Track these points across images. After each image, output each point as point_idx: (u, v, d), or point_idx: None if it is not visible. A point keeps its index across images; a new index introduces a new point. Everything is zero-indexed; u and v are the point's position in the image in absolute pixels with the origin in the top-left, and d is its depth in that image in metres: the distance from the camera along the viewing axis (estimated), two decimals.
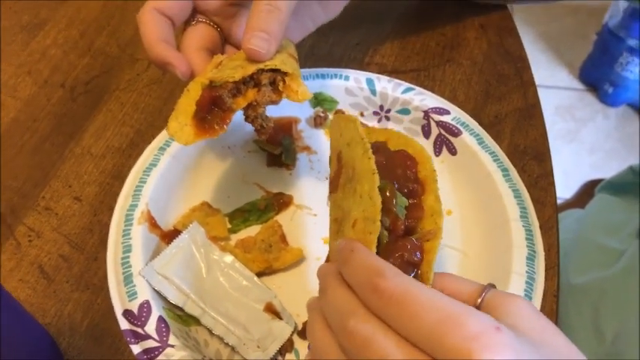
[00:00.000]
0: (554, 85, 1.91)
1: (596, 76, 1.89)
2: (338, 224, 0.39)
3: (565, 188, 1.48)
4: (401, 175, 0.40)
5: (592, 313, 0.64)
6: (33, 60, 0.59)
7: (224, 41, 0.49)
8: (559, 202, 1.03)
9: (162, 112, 0.55)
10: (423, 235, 0.37)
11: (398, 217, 0.37)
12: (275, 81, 0.42)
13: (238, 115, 0.43)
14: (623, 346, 0.59)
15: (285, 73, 0.42)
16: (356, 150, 0.38)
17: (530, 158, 0.52)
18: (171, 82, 0.57)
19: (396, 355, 0.28)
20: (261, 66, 0.41)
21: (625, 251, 0.65)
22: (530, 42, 1.97)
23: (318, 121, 0.54)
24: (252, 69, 0.41)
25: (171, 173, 0.49)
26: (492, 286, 0.33)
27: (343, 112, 0.53)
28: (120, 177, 0.50)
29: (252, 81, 0.42)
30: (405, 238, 0.37)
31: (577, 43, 1.98)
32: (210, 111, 0.42)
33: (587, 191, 1.07)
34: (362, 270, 0.30)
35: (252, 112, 0.43)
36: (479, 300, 0.31)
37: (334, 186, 0.41)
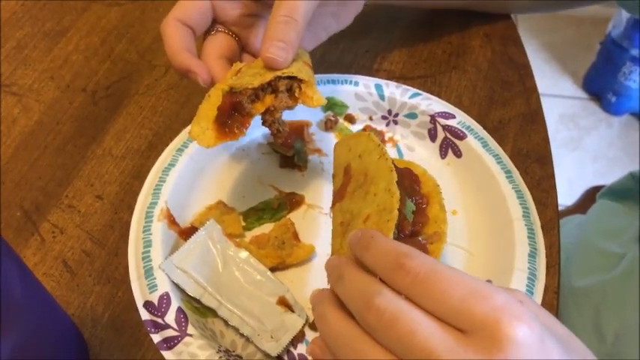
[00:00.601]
0: (558, 94, 1.93)
1: (600, 86, 1.91)
2: (345, 226, 0.41)
3: (568, 196, 1.50)
4: (408, 186, 0.43)
5: (593, 314, 0.65)
6: (56, 66, 0.62)
7: (241, 50, 0.52)
8: (562, 208, 1.05)
9: (179, 116, 0.57)
10: (428, 237, 0.40)
11: (406, 218, 0.40)
12: (291, 88, 0.45)
13: (254, 119, 0.45)
14: (624, 346, 0.61)
15: (302, 80, 0.45)
16: (371, 157, 0.42)
17: (533, 161, 0.54)
18: (188, 87, 0.60)
19: (426, 327, 0.28)
20: (278, 73, 0.44)
21: (625, 255, 0.66)
22: (534, 51, 2.00)
23: (328, 125, 0.56)
24: (270, 76, 0.44)
25: (189, 173, 0.51)
26: (489, 282, 0.34)
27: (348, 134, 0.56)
28: (139, 177, 0.52)
29: (270, 87, 0.44)
30: (412, 239, 0.40)
31: (581, 52, 2.00)
32: (231, 116, 0.44)
33: (589, 198, 1.09)
34: (386, 253, 0.31)
35: (269, 117, 0.46)
36: None
37: (340, 196, 0.43)
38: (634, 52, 1.73)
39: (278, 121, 0.46)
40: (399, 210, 0.39)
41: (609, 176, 1.67)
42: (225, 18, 0.50)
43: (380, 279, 0.31)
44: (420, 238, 0.40)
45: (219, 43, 0.50)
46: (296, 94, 0.45)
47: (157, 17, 0.66)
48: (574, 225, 0.87)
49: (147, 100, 0.59)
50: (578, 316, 0.68)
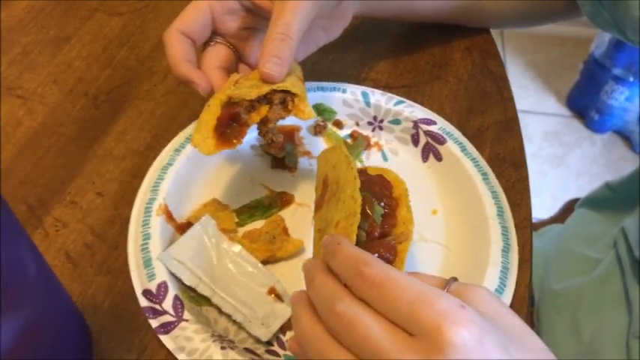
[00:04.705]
0: (543, 112, 1.97)
1: (583, 104, 1.95)
2: (322, 232, 0.45)
3: (552, 210, 1.53)
4: (378, 191, 0.47)
5: (571, 315, 0.67)
6: (59, 70, 0.65)
7: (238, 60, 0.55)
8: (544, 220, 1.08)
9: (176, 119, 0.60)
10: (396, 237, 0.44)
11: (375, 222, 0.44)
12: (285, 100, 0.48)
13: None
14: (599, 345, 0.63)
15: (295, 95, 0.48)
16: (341, 167, 0.45)
17: (509, 166, 0.58)
18: (185, 93, 0.63)
19: (377, 331, 0.32)
20: (274, 87, 0.47)
21: (602, 260, 0.69)
22: (520, 70, 2.05)
23: (317, 130, 0.60)
24: (266, 89, 0.47)
25: (186, 172, 0.55)
26: (455, 279, 0.37)
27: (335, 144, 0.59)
28: (138, 176, 0.55)
29: (266, 99, 0.48)
30: (381, 240, 0.43)
31: (564, 72, 2.05)
32: (229, 125, 0.47)
33: (569, 209, 1.12)
34: (348, 260, 0.34)
35: (264, 127, 0.49)
36: (444, 290, 0.35)
37: (319, 205, 0.47)
38: (616, 71, 1.77)
39: (272, 131, 0.50)
40: (367, 214, 0.43)
41: None
42: (224, 30, 0.54)
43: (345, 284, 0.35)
44: (389, 239, 0.44)
45: (217, 54, 0.53)
46: (289, 107, 0.48)
47: (157, 27, 0.70)
48: (554, 233, 0.90)
49: (146, 104, 0.62)
50: (557, 317, 0.71)
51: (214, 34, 0.54)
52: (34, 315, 0.37)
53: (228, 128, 0.47)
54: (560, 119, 1.97)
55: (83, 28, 0.69)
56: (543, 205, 1.56)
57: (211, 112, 0.47)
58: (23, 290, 0.36)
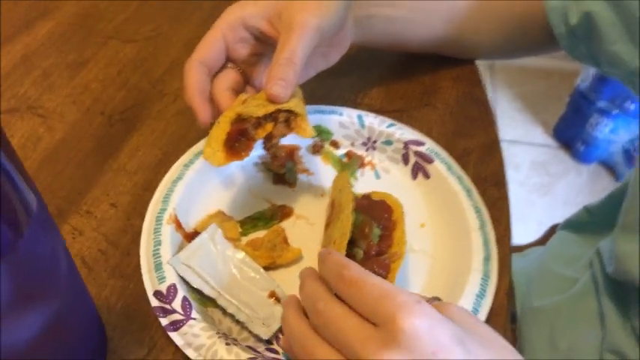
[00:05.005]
0: (530, 142, 2.03)
1: (569, 135, 1.99)
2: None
3: (537, 236, 1.58)
4: (378, 215, 0.53)
5: (549, 330, 0.70)
6: (77, 92, 0.70)
7: (246, 83, 0.61)
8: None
9: (185, 138, 0.65)
10: (391, 256, 0.50)
11: (372, 242, 0.51)
12: (288, 119, 0.53)
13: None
14: (577, 355, 0.66)
15: (297, 114, 0.53)
16: (344, 191, 0.52)
17: (490, 185, 0.62)
18: (193, 114, 0.68)
19: (349, 324, 0.36)
20: (279, 106, 0.52)
21: (579, 279, 0.72)
22: (508, 102, 2.11)
23: (315, 149, 0.64)
24: (272, 108, 0.52)
25: (194, 185, 0.59)
26: (438, 299, 0.41)
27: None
28: (149, 189, 0.60)
29: (271, 117, 0.53)
30: (377, 258, 0.49)
31: (551, 104, 2.11)
32: (237, 140, 0.52)
33: (551, 232, 1.16)
34: (333, 265, 0.39)
35: (268, 143, 0.54)
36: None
37: (327, 225, 0.53)
38: (601, 104, 1.81)
39: (275, 146, 0.55)
40: (366, 234, 0.49)
41: None
42: (234, 57, 0.59)
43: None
44: (383, 257, 0.50)
45: (227, 78, 0.59)
46: (292, 125, 0.54)
47: (167, 53, 0.75)
48: (537, 254, 0.94)
49: (157, 123, 0.67)
50: (536, 331, 0.74)
51: (227, 60, 0.60)
52: (61, 308, 0.40)
53: (237, 142, 0.52)
54: (547, 150, 2.03)
55: (99, 53, 0.74)
56: (530, 231, 1.61)
57: (221, 129, 0.52)
58: (55, 284, 0.40)
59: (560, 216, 0.98)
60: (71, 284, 0.41)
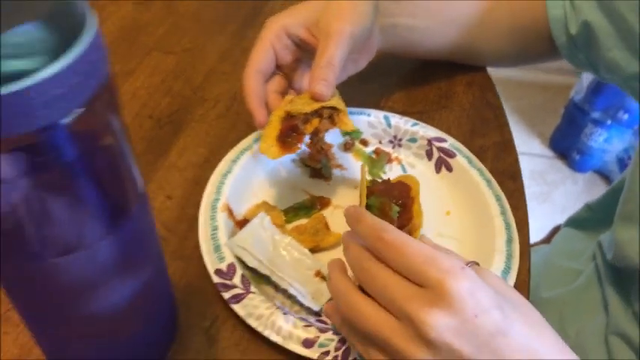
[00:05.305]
0: (528, 152, 2.10)
1: (565, 145, 2.07)
2: None
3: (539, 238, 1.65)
4: (397, 194, 0.60)
5: (558, 319, 0.75)
6: (126, 99, 0.76)
7: (288, 86, 0.68)
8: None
9: (227, 138, 0.71)
10: (411, 227, 0.58)
11: (393, 219, 0.57)
12: (332, 115, 0.60)
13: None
14: (583, 341, 0.71)
15: (339, 110, 0.60)
16: (361, 185, 0.58)
17: (507, 178, 0.69)
18: (232, 118, 0.74)
19: (394, 281, 0.41)
20: (323, 104, 0.59)
21: (583, 271, 0.78)
22: (506, 114, 2.19)
23: (347, 147, 0.71)
24: (317, 106, 0.59)
25: (241, 178, 0.65)
26: (476, 263, 0.45)
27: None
28: (199, 183, 0.66)
29: (317, 114, 0.60)
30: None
31: (547, 116, 2.18)
32: (289, 135, 0.59)
33: (554, 232, 1.23)
34: (370, 227, 0.43)
35: (315, 137, 0.61)
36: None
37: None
38: (595, 115, 1.90)
39: (321, 140, 0.61)
40: (386, 213, 0.56)
41: None
42: (280, 63, 0.66)
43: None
44: (406, 229, 0.57)
45: (275, 82, 0.66)
46: (335, 120, 0.60)
47: (204, 63, 0.82)
48: (543, 252, 1.00)
49: (200, 126, 0.73)
50: (547, 320, 0.81)
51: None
52: (150, 278, 0.45)
53: (288, 137, 0.59)
54: (544, 160, 2.10)
55: (143, 64, 0.81)
56: (532, 235, 1.67)
57: (272, 126, 0.59)
58: (150, 255, 0.45)
59: (559, 222, 1.05)
60: (158, 257, 0.47)
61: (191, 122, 0.73)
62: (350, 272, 0.47)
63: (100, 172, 0.37)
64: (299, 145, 0.59)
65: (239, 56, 0.82)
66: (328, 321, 0.56)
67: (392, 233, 0.42)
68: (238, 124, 0.73)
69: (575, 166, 2.07)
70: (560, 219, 1.94)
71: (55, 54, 0.28)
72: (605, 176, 2.04)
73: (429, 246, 0.42)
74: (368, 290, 0.44)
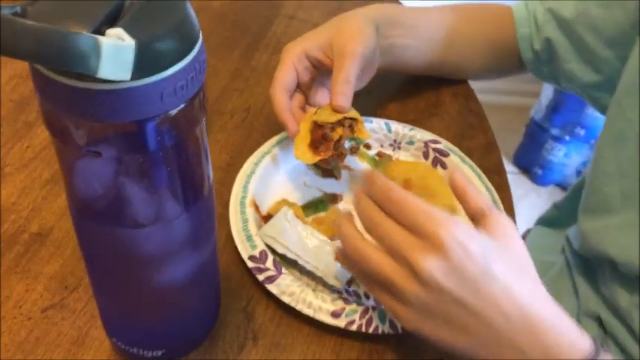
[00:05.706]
0: None
1: (528, 161, 2.16)
2: None
3: None
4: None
5: None
6: None
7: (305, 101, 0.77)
8: None
9: (245, 145, 0.79)
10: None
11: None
12: (351, 125, 0.69)
13: None
14: None
15: (358, 120, 0.70)
16: (433, 180, 0.71)
17: (493, 173, 0.78)
18: (248, 127, 0.82)
19: (395, 231, 0.47)
20: (345, 115, 0.69)
21: (555, 263, 0.85)
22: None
23: (352, 150, 0.79)
24: (340, 117, 0.68)
25: (263, 179, 0.73)
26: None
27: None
28: (224, 184, 0.73)
29: (339, 123, 0.69)
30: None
31: (509, 134, 2.27)
32: (320, 142, 0.68)
33: (526, 235, 1.33)
34: (380, 187, 0.49)
35: (337, 143, 0.70)
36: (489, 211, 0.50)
37: None
38: (554, 131, 2.01)
39: (342, 145, 0.70)
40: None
41: None
42: (300, 81, 0.74)
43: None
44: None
45: (296, 98, 0.75)
46: (354, 129, 0.69)
47: (218, 81, 0.89)
48: None
49: (221, 135, 0.81)
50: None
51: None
52: (208, 257, 0.52)
53: (318, 144, 0.67)
54: (509, 175, 2.18)
55: None
56: None
57: (302, 136, 0.68)
58: (210, 235, 0.52)
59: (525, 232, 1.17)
60: (215, 238, 0.55)
61: (211, 132, 0.81)
62: (359, 224, 0.53)
63: (186, 159, 0.44)
64: (330, 151, 0.68)
65: (249, 75, 0.90)
66: (350, 299, 0.64)
67: (397, 192, 0.48)
68: (253, 134, 0.82)
69: (538, 180, 2.16)
70: (526, 229, 2.05)
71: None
72: (565, 189, 2.15)
73: (426, 203, 0.48)
74: (373, 237, 0.50)
